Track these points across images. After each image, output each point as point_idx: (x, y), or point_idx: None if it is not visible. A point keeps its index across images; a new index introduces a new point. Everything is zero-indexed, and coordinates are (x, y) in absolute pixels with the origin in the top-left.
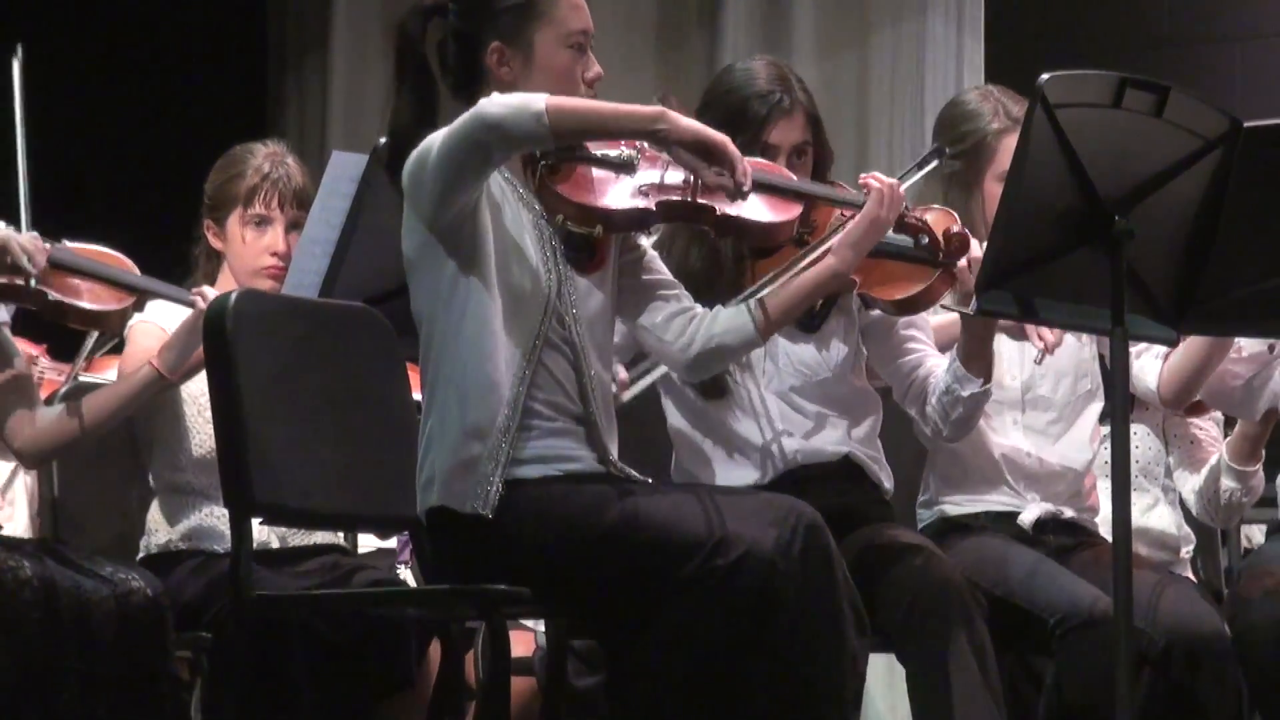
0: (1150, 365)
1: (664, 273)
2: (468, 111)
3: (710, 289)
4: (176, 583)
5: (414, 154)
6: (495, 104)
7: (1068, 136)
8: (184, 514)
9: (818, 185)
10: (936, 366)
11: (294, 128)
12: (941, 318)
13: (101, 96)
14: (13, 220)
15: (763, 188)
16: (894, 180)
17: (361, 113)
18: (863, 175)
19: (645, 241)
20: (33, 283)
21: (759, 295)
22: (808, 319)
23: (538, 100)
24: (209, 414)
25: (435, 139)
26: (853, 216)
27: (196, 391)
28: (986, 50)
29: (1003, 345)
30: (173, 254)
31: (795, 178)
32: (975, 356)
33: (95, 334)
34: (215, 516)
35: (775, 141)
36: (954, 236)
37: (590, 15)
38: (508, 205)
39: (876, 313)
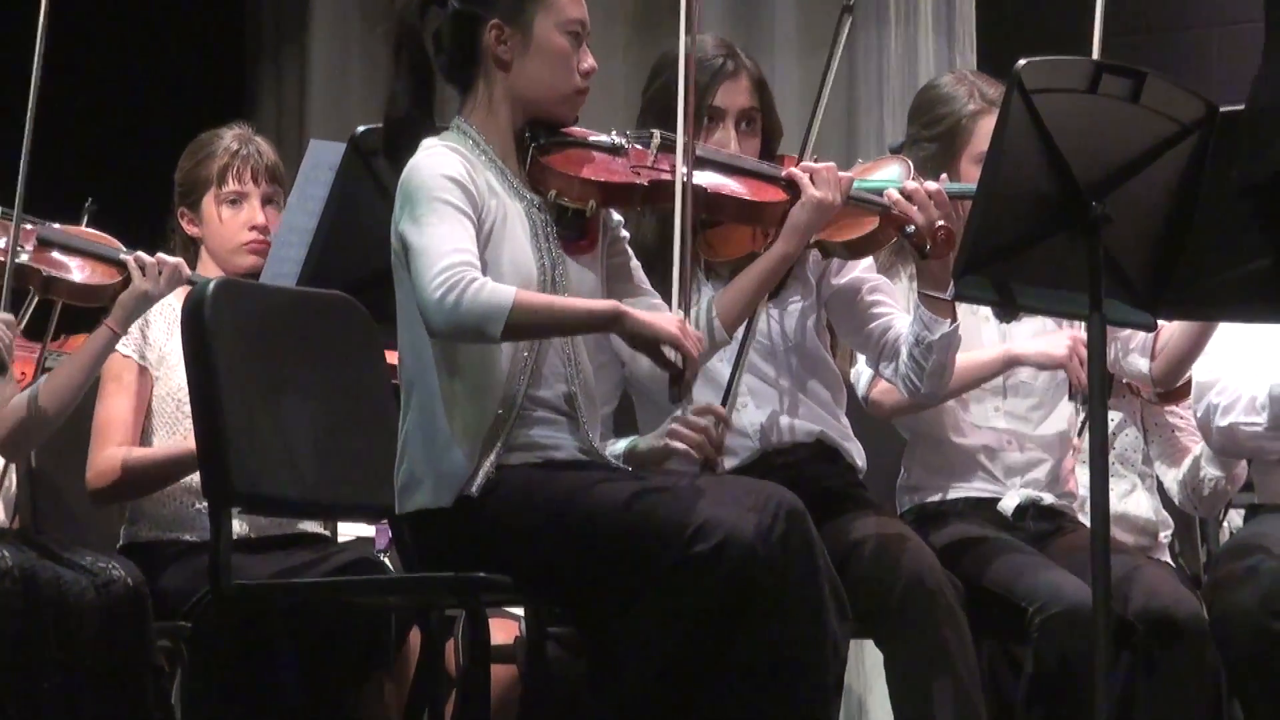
0: (1142, 355)
1: (644, 282)
2: (441, 284)
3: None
4: (156, 571)
5: (409, 172)
6: (459, 314)
7: (1045, 122)
8: (164, 503)
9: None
10: (906, 327)
11: (272, 116)
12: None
13: (77, 86)
14: (8, 199)
15: (746, 173)
16: (828, 164)
17: (340, 101)
18: (791, 169)
19: (630, 250)
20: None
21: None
22: None
23: (496, 325)
24: (187, 407)
25: (417, 232)
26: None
27: (175, 386)
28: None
29: (983, 332)
30: (149, 242)
31: (768, 166)
32: (937, 301)
33: (58, 310)
34: (195, 506)
35: (721, 104)
36: (939, 230)
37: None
38: (496, 197)
39: (840, 281)
